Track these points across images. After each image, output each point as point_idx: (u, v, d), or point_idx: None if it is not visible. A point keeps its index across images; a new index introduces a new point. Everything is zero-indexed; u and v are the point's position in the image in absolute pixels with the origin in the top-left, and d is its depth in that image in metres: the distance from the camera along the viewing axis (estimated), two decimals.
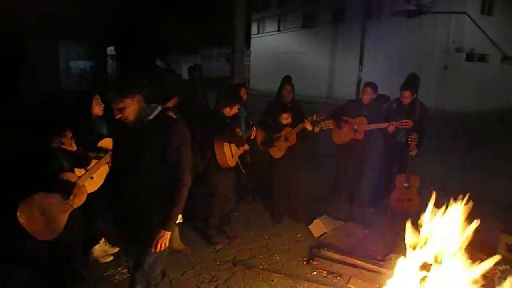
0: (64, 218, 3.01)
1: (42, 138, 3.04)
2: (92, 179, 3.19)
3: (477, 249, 3.62)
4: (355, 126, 4.70)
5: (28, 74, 16.09)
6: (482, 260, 3.44)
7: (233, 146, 4.09)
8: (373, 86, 4.74)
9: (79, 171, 3.12)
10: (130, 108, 2.18)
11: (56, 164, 3.00)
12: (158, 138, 2.20)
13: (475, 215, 4.40)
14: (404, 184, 4.48)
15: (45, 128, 3.05)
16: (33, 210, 2.91)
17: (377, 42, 17.98)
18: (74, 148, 3.00)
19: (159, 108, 2.29)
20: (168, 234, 2.27)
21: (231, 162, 4.05)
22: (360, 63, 17.12)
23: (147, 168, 2.24)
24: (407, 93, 4.54)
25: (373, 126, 4.63)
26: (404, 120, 4.42)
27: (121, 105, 2.15)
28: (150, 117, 2.24)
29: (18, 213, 2.87)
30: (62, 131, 2.95)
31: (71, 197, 2.99)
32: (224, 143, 3.97)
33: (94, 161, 3.18)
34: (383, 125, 4.53)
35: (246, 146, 4.35)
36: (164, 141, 2.19)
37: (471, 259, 3.48)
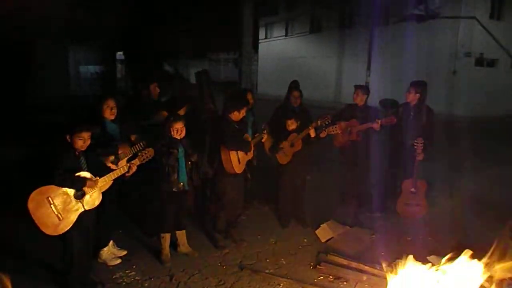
0: (72, 217, 2.96)
1: (56, 142, 3.08)
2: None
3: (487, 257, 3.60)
4: (348, 128, 4.83)
5: (38, 79, 16.36)
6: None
7: (240, 152, 4.09)
8: (363, 88, 4.98)
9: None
10: None
11: (74, 165, 2.99)
12: None
13: (486, 224, 4.36)
14: (411, 189, 4.46)
15: (59, 132, 3.06)
16: (43, 199, 2.90)
17: (385, 47, 17.93)
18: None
19: None
20: None
21: (238, 168, 4.06)
22: (368, 67, 17.08)
23: None
24: (412, 89, 4.63)
25: (361, 127, 4.76)
26: (389, 117, 4.58)
27: None
28: None
29: (29, 199, 2.87)
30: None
31: (84, 196, 2.99)
32: (231, 151, 3.98)
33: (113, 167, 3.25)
34: (370, 125, 4.67)
35: (250, 154, 4.33)
36: None
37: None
